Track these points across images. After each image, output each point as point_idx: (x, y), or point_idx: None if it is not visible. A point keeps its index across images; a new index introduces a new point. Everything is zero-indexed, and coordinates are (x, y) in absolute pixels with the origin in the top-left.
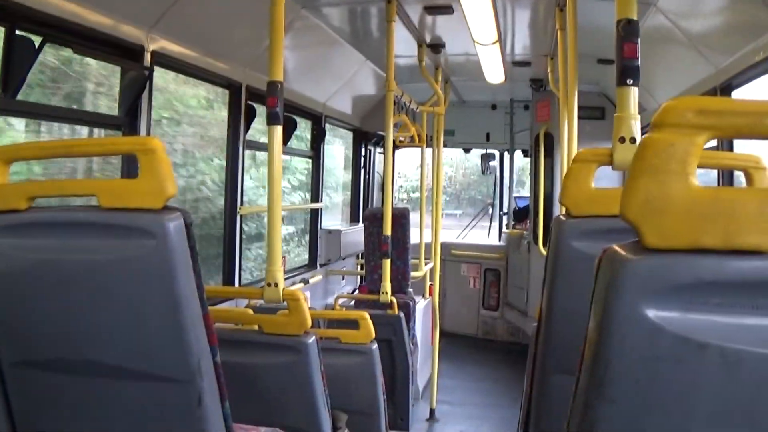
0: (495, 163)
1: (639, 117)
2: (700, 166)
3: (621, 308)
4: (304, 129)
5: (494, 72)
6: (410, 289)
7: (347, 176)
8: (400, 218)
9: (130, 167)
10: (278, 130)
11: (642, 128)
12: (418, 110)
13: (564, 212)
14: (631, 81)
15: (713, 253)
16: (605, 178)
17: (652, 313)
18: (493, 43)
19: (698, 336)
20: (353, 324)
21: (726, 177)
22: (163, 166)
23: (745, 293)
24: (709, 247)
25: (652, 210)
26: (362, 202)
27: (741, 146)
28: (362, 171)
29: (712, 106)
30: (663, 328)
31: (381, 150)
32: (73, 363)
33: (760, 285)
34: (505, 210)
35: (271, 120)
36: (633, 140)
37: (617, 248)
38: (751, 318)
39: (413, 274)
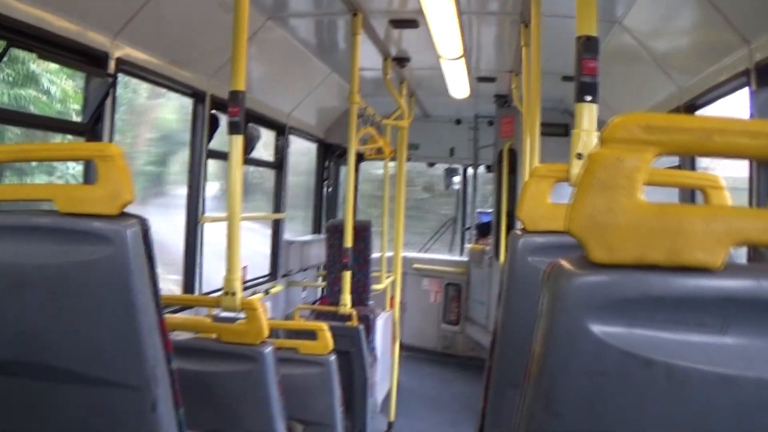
0: (458, 179)
1: (597, 133)
2: (659, 185)
3: (566, 323)
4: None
5: (459, 87)
6: (371, 302)
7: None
8: (362, 231)
9: (89, 174)
10: (239, 139)
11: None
12: (382, 123)
13: (520, 227)
14: (590, 98)
15: (659, 269)
16: (563, 196)
17: (597, 328)
18: (458, 57)
19: (644, 352)
20: (312, 335)
21: (688, 197)
22: (121, 172)
23: (690, 310)
24: (655, 263)
25: (598, 225)
26: (325, 214)
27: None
28: (325, 183)
29: (660, 123)
30: (608, 344)
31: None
32: (26, 366)
33: (706, 302)
34: (468, 225)
35: (232, 129)
36: None
37: (563, 263)
38: (696, 335)
39: (374, 286)
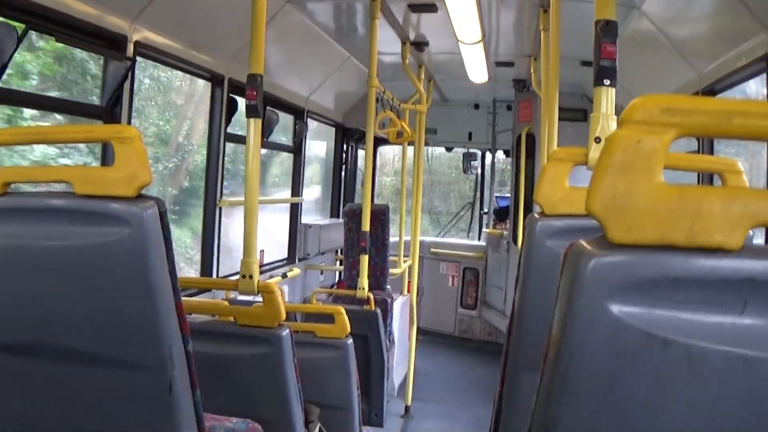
0: (477, 163)
1: (615, 117)
2: (677, 169)
3: (585, 303)
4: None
5: (477, 71)
6: (388, 286)
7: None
8: (380, 215)
9: (107, 156)
10: (257, 123)
11: None
12: (400, 108)
13: (538, 211)
14: (608, 81)
15: (678, 250)
16: (581, 180)
17: (615, 308)
18: (477, 42)
19: (662, 332)
20: (329, 319)
21: (705, 180)
22: (138, 154)
23: (709, 291)
24: (674, 243)
25: (617, 205)
26: (343, 198)
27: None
28: (343, 167)
29: (680, 104)
30: (627, 324)
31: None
32: (44, 348)
33: (724, 283)
34: (485, 209)
35: (250, 113)
36: None
37: (582, 243)
38: (715, 316)
39: (392, 270)
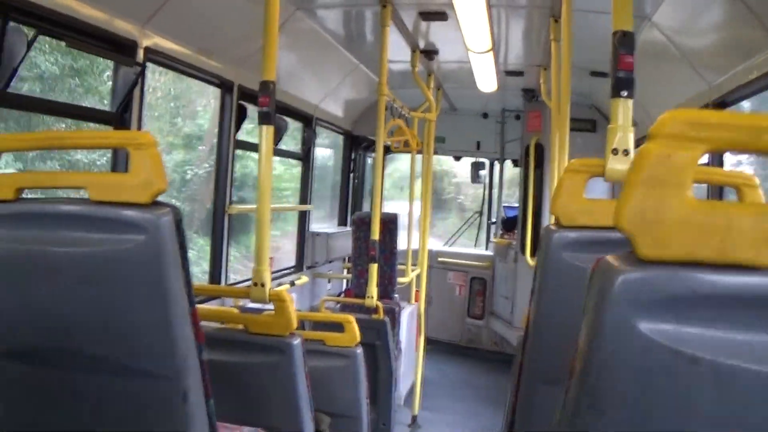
0: (485, 172)
1: (633, 129)
2: (695, 182)
3: (613, 319)
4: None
5: (487, 80)
6: (396, 295)
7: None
8: (389, 223)
9: (118, 162)
10: (269, 130)
11: (636, 141)
12: (409, 116)
13: (554, 222)
14: (626, 93)
15: (708, 266)
16: (591, 191)
17: (644, 325)
18: (487, 51)
19: (691, 350)
20: (338, 327)
21: (716, 194)
22: (154, 161)
23: (739, 308)
24: (703, 260)
25: (647, 221)
26: (351, 206)
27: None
28: (352, 175)
29: (710, 119)
30: (655, 341)
31: (372, 154)
32: (58, 355)
33: (755, 300)
34: (493, 219)
35: (263, 119)
36: (626, 152)
37: (610, 259)
38: (744, 334)
39: (400, 279)
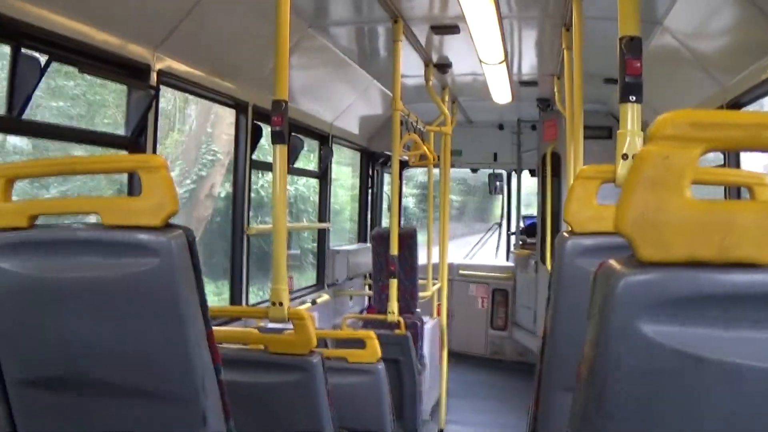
0: (503, 184)
1: (642, 134)
2: (705, 183)
3: (617, 323)
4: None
5: (501, 92)
6: (418, 310)
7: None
8: (408, 238)
9: (132, 186)
10: (283, 149)
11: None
12: (425, 130)
13: (568, 229)
14: (634, 98)
15: (710, 266)
16: (607, 197)
17: (648, 327)
18: (500, 62)
19: (696, 350)
20: (360, 344)
21: (733, 194)
22: (165, 183)
23: (743, 307)
24: (705, 260)
25: (647, 223)
26: (370, 222)
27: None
28: (369, 191)
29: (707, 119)
30: (660, 343)
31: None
32: (76, 381)
33: (758, 298)
34: (512, 230)
35: (276, 139)
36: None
37: (613, 263)
38: (749, 332)
39: (421, 294)
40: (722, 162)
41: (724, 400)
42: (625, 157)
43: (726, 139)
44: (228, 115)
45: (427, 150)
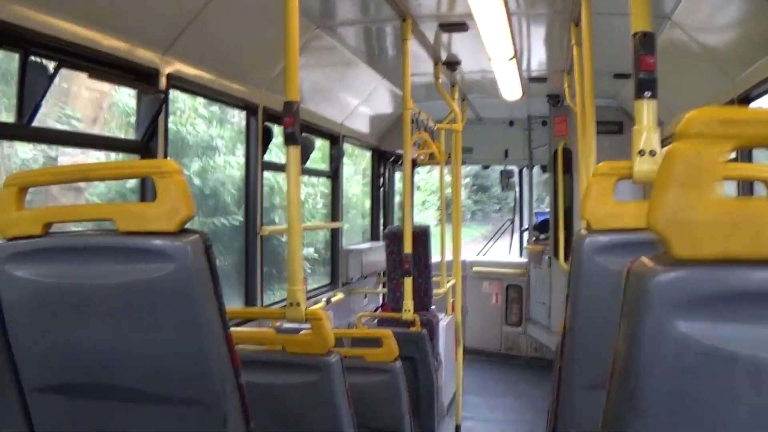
0: (515, 180)
1: (658, 129)
2: (732, 178)
3: (650, 320)
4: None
5: (511, 88)
6: (433, 307)
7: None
8: (421, 236)
9: (146, 191)
10: (296, 150)
11: (662, 141)
12: (435, 128)
13: (585, 227)
14: (649, 93)
15: (743, 263)
16: (620, 193)
17: (682, 324)
18: (509, 59)
19: (730, 347)
20: (376, 342)
21: (746, 189)
22: (179, 188)
23: None
24: (738, 257)
25: (680, 221)
26: (383, 221)
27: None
28: (381, 189)
29: (737, 116)
30: (693, 340)
31: (400, 168)
32: (94, 387)
33: None
34: (525, 226)
35: (289, 140)
36: (653, 153)
37: (645, 260)
38: None
39: (435, 291)
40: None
41: (758, 397)
42: (642, 153)
43: (756, 135)
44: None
45: (436, 148)
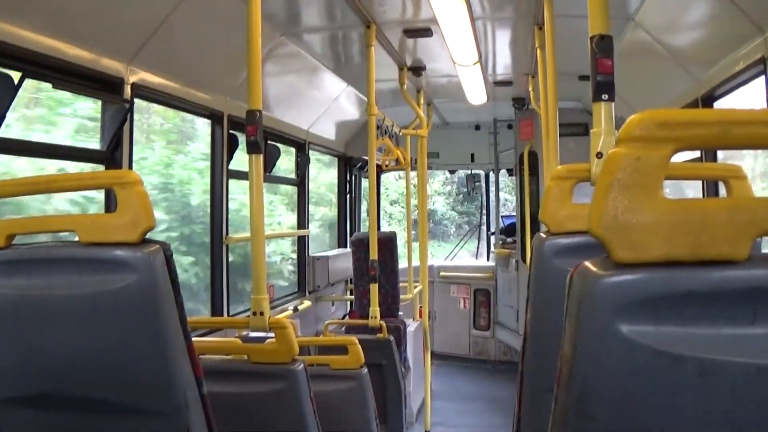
0: (481, 184)
1: (615, 132)
2: (680, 178)
3: (594, 324)
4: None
5: (476, 92)
6: (401, 313)
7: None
8: (388, 242)
9: (110, 201)
10: (258, 158)
11: None
12: (401, 134)
13: (545, 230)
14: (606, 96)
15: (685, 264)
16: (586, 196)
17: (625, 327)
18: (474, 63)
19: (674, 348)
20: (343, 350)
21: (711, 188)
22: (140, 199)
23: (718, 303)
24: (680, 259)
25: (620, 225)
26: (349, 228)
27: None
28: (348, 196)
29: (677, 118)
30: (638, 343)
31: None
32: (58, 399)
33: (733, 294)
34: (492, 230)
35: (251, 149)
36: None
37: (588, 264)
38: (726, 328)
39: (402, 297)
40: (698, 156)
41: (704, 397)
42: (599, 155)
43: (695, 137)
44: None
45: (400, 154)
